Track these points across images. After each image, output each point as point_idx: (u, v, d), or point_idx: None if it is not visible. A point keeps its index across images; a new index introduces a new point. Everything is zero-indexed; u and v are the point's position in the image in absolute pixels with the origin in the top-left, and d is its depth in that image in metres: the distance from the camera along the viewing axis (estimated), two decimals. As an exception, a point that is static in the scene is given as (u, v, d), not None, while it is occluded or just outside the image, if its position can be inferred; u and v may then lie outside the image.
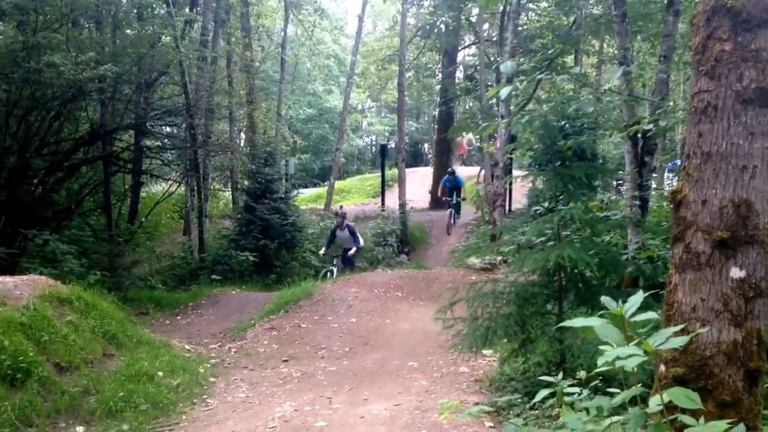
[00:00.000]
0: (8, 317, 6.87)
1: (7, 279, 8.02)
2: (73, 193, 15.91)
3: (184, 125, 17.98)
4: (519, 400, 5.81)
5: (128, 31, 15.55)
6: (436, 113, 35.13)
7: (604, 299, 2.84)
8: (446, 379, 7.83)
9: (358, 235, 15.94)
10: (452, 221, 21.35)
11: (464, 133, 29.02)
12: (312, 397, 7.24)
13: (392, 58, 28.10)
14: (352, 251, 15.54)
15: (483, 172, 24.68)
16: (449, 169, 22.49)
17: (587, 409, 3.10)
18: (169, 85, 18.03)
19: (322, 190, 31.03)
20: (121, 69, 13.27)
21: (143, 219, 18.61)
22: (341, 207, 17.93)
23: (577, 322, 2.81)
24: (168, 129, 19.29)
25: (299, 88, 41.99)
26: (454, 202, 21.51)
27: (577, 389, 3.35)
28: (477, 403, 5.90)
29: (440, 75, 30.84)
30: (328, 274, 15.15)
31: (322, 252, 16.10)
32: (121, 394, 6.81)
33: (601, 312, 2.88)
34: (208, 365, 8.95)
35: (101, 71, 11.97)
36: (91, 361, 7.37)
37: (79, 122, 15.49)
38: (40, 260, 12.14)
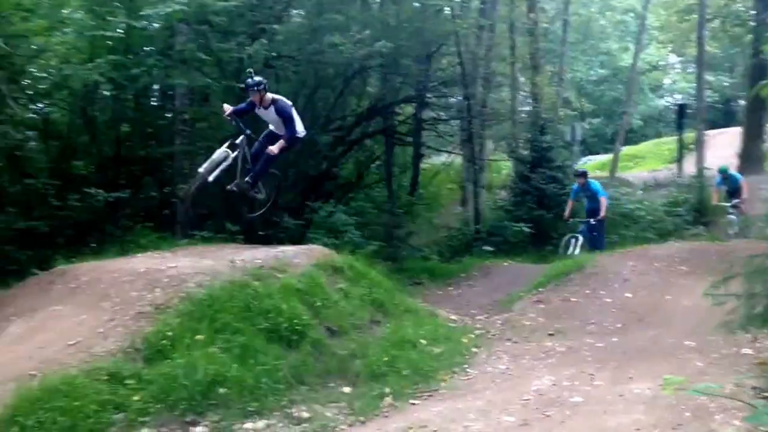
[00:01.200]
0: (287, 283, 7.46)
1: (288, 248, 8.78)
2: (359, 166, 16.87)
3: (460, 96, 18.14)
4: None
5: (415, 3, 15.85)
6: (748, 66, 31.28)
7: None
8: (725, 360, 6.99)
9: (296, 120, 8.89)
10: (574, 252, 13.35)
11: None
12: (573, 372, 6.86)
13: (692, 7, 25.54)
14: (274, 149, 8.64)
15: None
16: (577, 171, 15.46)
17: None
18: (446, 56, 18.17)
19: (613, 156, 29.44)
20: (397, 43, 13.64)
21: (422, 191, 19.21)
22: (251, 72, 8.79)
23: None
24: (448, 100, 19.55)
25: (591, 47, 39.76)
26: (590, 224, 13.79)
27: None
28: (754, 388, 5.31)
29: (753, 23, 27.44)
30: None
31: (226, 111, 8.87)
32: (385, 359, 7.04)
33: None
34: (472, 336, 8.92)
35: (376, 47, 12.43)
36: (358, 326, 7.72)
37: (360, 98, 16.29)
38: (324, 231, 13.04)
